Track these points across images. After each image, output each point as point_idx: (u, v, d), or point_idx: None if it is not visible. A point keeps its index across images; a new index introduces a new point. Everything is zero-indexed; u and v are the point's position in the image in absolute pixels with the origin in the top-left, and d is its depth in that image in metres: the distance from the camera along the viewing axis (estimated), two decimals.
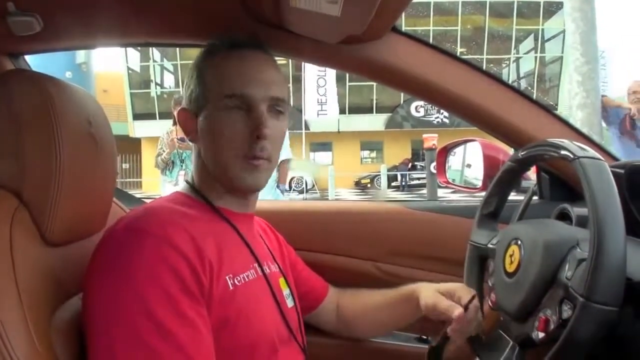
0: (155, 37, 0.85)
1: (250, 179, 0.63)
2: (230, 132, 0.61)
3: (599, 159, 0.52)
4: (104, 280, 0.51)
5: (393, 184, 14.52)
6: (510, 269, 0.61)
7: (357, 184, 15.46)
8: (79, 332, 0.53)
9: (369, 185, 14.46)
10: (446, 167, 1.15)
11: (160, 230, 0.53)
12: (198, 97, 0.64)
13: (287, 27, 0.74)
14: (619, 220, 0.47)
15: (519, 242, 0.61)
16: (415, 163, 15.11)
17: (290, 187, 10.88)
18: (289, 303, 0.70)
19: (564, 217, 0.84)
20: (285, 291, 0.70)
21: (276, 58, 0.71)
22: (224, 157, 0.62)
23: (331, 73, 11.53)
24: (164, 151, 2.87)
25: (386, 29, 0.76)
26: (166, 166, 2.89)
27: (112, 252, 0.53)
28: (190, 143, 0.68)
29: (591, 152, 0.54)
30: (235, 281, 0.58)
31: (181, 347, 0.49)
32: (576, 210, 0.80)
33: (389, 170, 14.09)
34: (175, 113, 2.81)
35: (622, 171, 0.70)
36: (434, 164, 8.01)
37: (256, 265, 0.64)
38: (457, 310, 0.66)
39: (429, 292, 0.74)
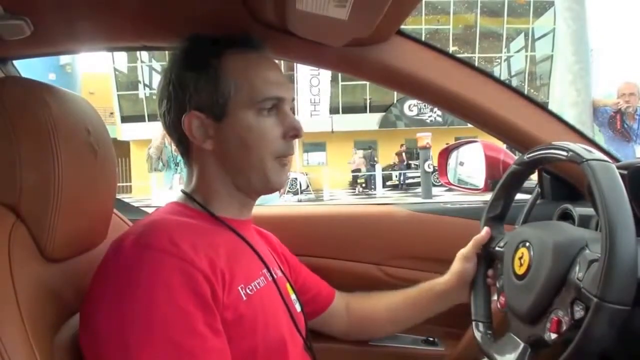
0: (154, 41, 0.82)
1: (282, 178, 0.65)
2: (267, 134, 0.63)
3: (607, 161, 0.53)
4: (115, 301, 0.49)
5: (388, 183, 14.52)
6: (520, 271, 0.61)
7: (352, 184, 15.42)
8: None
9: (363, 184, 14.45)
10: (448, 168, 1.15)
11: (170, 245, 0.52)
12: (219, 101, 0.61)
13: (290, 30, 0.73)
14: (630, 221, 0.48)
15: (528, 244, 0.62)
16: (410, 162, 15.13)
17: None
18: (297, 308, 0.70)
19: (565, 216, 0.85)
20: (293, 296, 0.71)
21: None
22: (260, 160, 0.63)
23: (325, 72, 11.43)
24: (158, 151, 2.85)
25: (392, 32, 0.76)
26: (158, 160, 2.85)
27: (121, 271, 0.51)
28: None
29: (598, 154, 0.54)
30: (248, 290, 0.58)
31: None
32: (578, 210, 0.81)
33: (384, 169, 14.10)
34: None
35: (625, 172, 0.71)
36: (428, 162, 8.08)
37: (265, 271, 0.64)
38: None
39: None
